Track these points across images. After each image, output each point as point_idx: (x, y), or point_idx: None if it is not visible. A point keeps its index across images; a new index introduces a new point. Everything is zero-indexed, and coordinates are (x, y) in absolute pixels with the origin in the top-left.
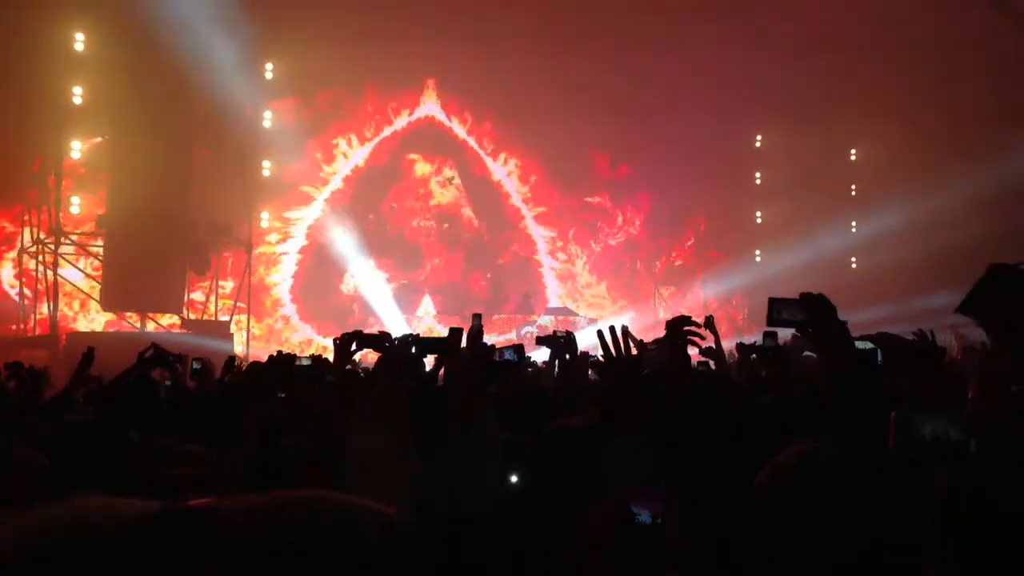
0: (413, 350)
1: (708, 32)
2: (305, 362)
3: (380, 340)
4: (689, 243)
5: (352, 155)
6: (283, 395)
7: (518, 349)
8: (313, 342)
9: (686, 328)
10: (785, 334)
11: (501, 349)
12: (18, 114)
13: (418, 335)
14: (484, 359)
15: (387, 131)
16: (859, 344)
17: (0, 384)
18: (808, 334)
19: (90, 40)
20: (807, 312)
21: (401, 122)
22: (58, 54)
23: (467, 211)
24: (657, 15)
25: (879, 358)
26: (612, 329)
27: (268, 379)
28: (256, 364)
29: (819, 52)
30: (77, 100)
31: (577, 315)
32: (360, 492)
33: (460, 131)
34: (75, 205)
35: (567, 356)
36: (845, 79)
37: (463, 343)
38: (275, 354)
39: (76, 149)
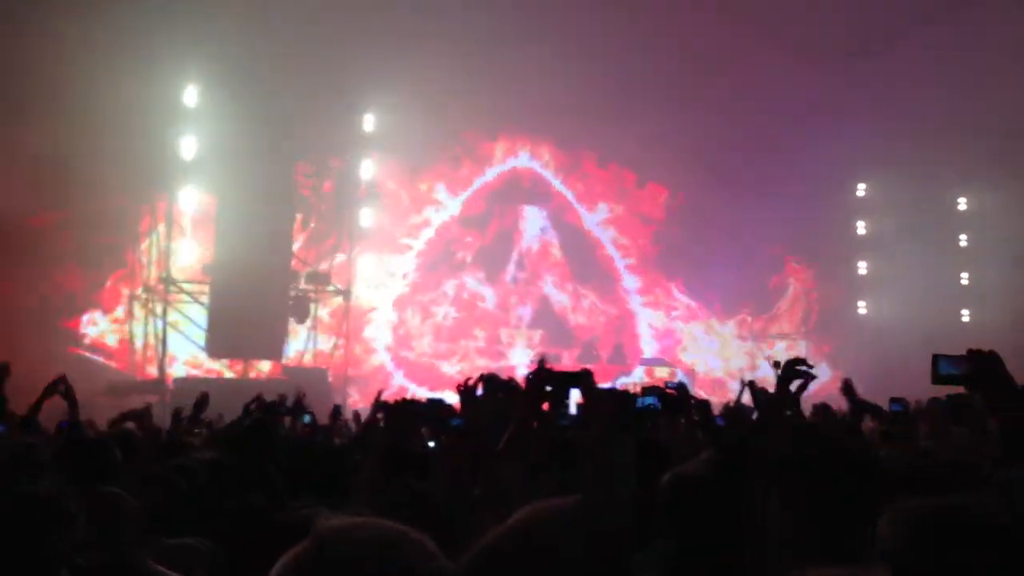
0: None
1: (812, 75)
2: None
3: (509, 384)
4: (789, 292)
5: (447, 205)
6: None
7: (661, 393)
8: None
9: (797, 368)
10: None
11: (642, 396)
12: (129, 165)
13: (551, 367)
14: (628, 402)
15: (480, 182)
16: None
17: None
18: (975, 387)
19: (200, 93)
20: (972, 366)
21: (495, 172)
22: (167, 107)
23: (557, 253)
24: (760, 58)
25: None
26: (751, 383)
27: (395, 425)
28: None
29: (926, 97)
30: (186, 152)
31: (672, 367)
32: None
33: (553, 180)
34: (183, 254)
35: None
36: (952, 127)
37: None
38: (400, 400)
39: (184, 200)
